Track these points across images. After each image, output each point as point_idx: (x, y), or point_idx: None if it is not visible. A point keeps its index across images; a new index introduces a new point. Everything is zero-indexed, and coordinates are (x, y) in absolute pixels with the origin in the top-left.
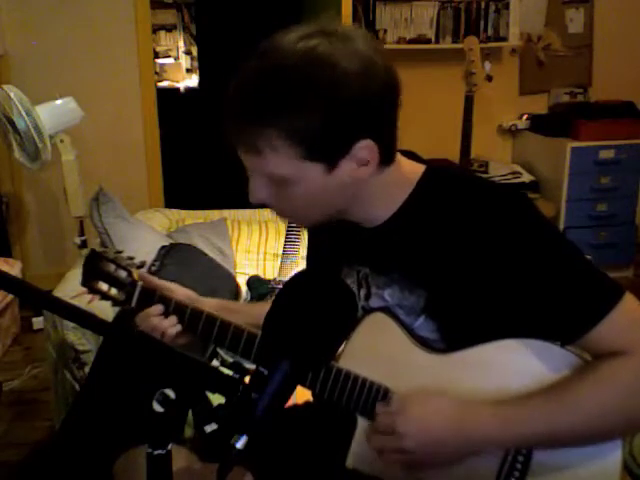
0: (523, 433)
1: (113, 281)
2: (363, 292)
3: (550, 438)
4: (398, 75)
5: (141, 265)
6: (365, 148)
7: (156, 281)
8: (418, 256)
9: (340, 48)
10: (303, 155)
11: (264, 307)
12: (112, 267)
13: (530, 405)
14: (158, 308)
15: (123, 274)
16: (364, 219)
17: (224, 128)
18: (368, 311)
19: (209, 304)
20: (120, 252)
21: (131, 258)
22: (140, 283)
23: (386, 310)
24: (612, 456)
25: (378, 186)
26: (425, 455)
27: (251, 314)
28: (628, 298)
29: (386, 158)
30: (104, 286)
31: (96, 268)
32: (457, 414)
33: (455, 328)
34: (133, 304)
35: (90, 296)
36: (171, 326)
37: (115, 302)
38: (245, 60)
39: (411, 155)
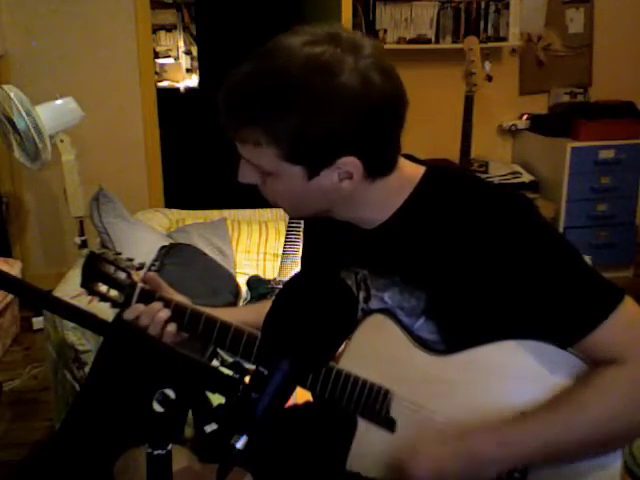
0: (526, 456)
1: (112, 283)
2: (362, 294)
3: (554, 456)
4: (403, 88)
5: (140, 267)
6: (349, 164)
7: (159, 280)
8: (417, 258)
9: (345, 59)
10: (284, 156)
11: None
12: (111, 269)
13: (531, 428)
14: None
15: (122, 276)
16: (359, 221)
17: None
18: (368, 313)
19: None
20: (119, 254)
21: (130, 260)
22: (140, 285)
23: (386, 311)
24: (613, 456)
25: (373, 192)
26: None
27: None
28: (628, 302)
29: (376, 172)
30: (103, 288)
31: (95, 270)
32: (464, 466)
33: (455, 329)
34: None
35: (90, 296)
36: (159, 310)
37: (114, 304)
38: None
39: (409, 158)
